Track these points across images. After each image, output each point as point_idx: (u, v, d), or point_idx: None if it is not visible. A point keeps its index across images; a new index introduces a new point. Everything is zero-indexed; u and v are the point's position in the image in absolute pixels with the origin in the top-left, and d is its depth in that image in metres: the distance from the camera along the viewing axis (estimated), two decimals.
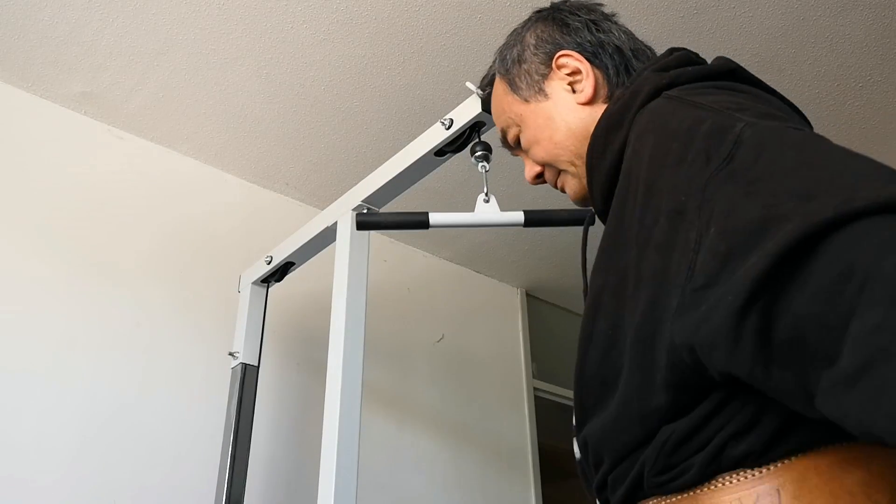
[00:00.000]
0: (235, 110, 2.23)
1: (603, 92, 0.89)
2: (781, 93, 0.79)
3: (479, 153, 1.43)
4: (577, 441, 0.78)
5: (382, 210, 1.75)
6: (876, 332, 0.45)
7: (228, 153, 2.39)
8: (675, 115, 0.69)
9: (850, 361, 0.46)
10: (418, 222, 1.39)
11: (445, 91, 2.17)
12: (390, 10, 1.93)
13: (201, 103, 2.20)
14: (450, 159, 1.60)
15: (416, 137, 1.60)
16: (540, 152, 0.92)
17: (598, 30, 0.92)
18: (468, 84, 1.41)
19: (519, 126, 0.94)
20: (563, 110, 0.90)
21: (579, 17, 0.93)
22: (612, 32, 0.92)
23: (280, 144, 2.37)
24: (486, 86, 1.03)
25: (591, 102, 0.88)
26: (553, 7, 0.97)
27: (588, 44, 0.91)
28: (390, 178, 1.63)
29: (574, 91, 0.90)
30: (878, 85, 2.22)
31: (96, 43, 1.99)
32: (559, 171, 0.92)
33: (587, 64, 0.90)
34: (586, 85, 0.89)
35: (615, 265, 0.71)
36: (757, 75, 0.80)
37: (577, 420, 0.77)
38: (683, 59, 0.83)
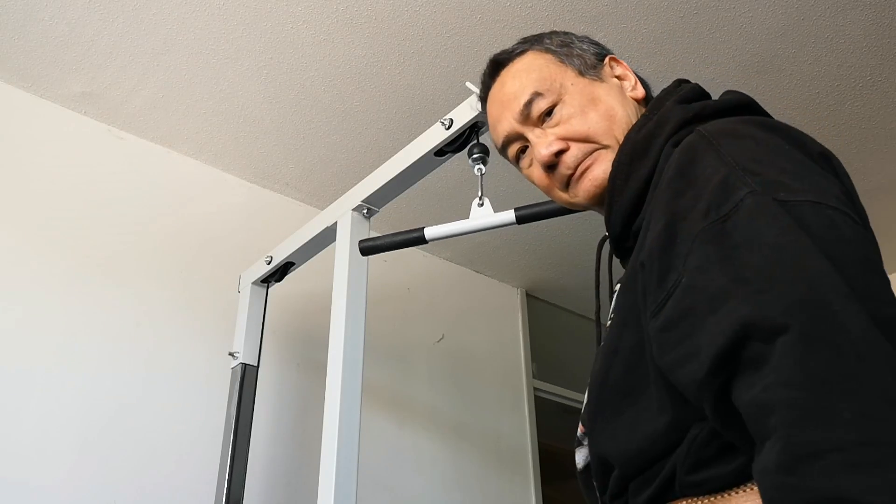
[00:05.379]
0: (235, 110, 2.23)
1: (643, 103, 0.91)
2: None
3: (476, 155, 1.42)
4: (588, 451, 0.78)
5: (382, 210, 1.76)
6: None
7: (228, 153, 2.39)
8: (703, 159, 0.70)
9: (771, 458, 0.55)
10: (416, 239, 1.43)
11: (445, 91, 2.16)
12: (390, 10, 1.93)
13: (201, 103, 2.20)
14: (449, 160, 1.60)
15: (416, 137, 1.60)
16: (583, 124, 0.86)
17: None
18: (468, 84, 1.41)
19: (558, 95, 0.87)
20: (618, 95, 0.89)
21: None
22: None
23: (280, 144, 2.37)
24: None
25: (639, 102, 0.90)
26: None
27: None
28: (390, 178, 1.64)
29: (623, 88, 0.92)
30: (878, 85, 2.22)
31: (96, 43, 1.99)
32: (594, 150, 0.86)
33: (634, 75, 0.92)
34: (637, 88, 0.91)
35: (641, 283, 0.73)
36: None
37: (588, 429, 0.77)
38: (699, 92, 0.84)
